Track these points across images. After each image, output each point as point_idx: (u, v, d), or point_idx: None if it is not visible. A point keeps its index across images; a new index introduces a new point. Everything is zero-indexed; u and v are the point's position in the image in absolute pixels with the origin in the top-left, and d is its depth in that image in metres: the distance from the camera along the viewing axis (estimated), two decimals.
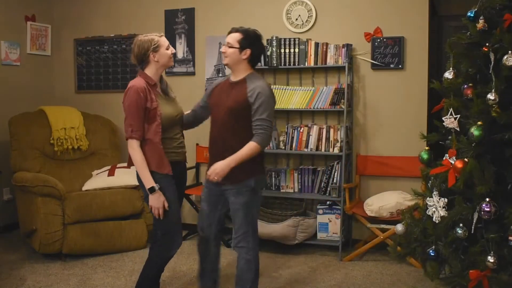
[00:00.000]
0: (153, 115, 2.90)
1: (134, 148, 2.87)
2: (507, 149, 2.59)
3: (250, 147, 2.88)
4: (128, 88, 2.90)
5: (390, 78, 4.54)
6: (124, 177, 4.54)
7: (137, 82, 2.92)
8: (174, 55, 5.22)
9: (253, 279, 3.08)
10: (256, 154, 2.91)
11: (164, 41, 3.01)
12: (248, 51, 2.97)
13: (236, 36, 2.96)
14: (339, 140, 4.45)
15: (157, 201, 2.88)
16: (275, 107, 4.66)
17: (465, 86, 2.74)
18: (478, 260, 2.53)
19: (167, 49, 3.01)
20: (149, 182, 2.86)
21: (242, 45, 2.95)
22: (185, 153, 3.16)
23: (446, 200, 2.70)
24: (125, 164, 4.46)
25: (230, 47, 2.96)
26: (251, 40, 2.98)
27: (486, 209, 2.49)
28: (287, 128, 4.67)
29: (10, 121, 4.68)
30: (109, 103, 5.49)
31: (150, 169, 2.90)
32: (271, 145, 4.69)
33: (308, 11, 4.74)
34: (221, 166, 2.86)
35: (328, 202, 4.51)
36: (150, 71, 2.99)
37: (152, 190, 2.86)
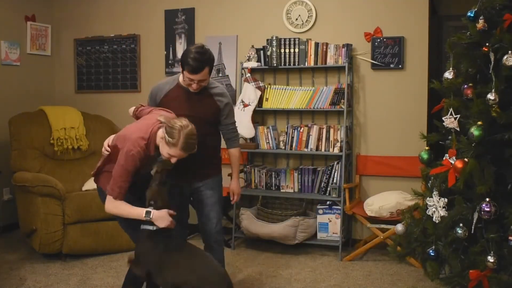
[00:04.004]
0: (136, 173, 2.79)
1: (115, 204, 2.74)
2: (507, 149, 2.59)
3: (239, 154, 3.26)
4: (128, 152, 2.68)
5: (390, 78, 4.54)
6: None
7: (139, 146, 2.70)
8: (174, 55, 5.24)
9: None
10: (219, 150, 3.23)
11: (177, 153, 2.68)
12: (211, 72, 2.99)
13: (206, 71, 2.87)
14: (339, 140, 4.45)
15: (164, 220, 2.73)
16: (275, 107, 4.72)
17: (465, 86, 2.74)
18: (478, 260, 2.53)
19: (170, 155, 2.71)
20: (141, 214, 2.71)
21: (211, 72, 2.94)
22: None
23: (446, 200, 2.70)
24: None
25: (204, 80, 2.92)
26: (213, 64, 2.95)
27: (486, 209, 2.49)
28: (287, 128, 4.67)
29: (10, 121, 4.68)
30: (109, 103, 5.49)
31: (104, 187, 2.85)
32: (271, 145, 4.70)
33: (308, 11, 4.74)
34: (238, 187, 3.24)
35: (328, 202, 4.51)
36: (158, 138, 2.75)
37: (148, 215, 2.71)
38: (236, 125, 3.25)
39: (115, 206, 2.75)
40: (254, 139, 4.72)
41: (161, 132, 2.73)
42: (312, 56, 4.57)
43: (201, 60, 2.82)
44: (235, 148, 3.20)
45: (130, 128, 2.84)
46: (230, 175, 3.32)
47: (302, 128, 4.60)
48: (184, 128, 2.65)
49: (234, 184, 3.21)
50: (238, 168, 3.23)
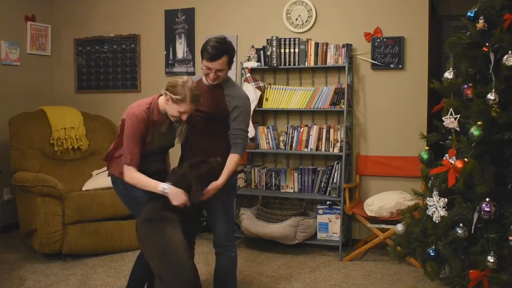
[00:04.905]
0: (143, 147, 2.87)
1: (132, 172, 2.81)
2: (507, 149, 2.58)
3: (235, 160, 2.96)
4: (131, 114, 2.80)
5: (390, 78, 4.54)
6: None
7: (141, 111, 2.80)
8: (174, 55, 5.24)
9: (236, 274, 3.16)
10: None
11: (186, 107, 2.74)
12: (231, 65, 2.96)
13: (225, 60, 2.85)
14: (339, 140, 4.45)
15: (179, 198, 2.76)
16: (275, 107, 4.71)
17: (465, 86, 2.73)
18: (478, 260, 2.53)
19: (181, 112, 2.76)
20: (156, 187, 2.76)
21: (230, 63, 2.92)
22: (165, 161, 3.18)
23: (446, 200, 2.70)
24: None
25: (222, 70, 2.87)
26: (233, 55, 2.93)
27: (486, 209, 2.48)
28: (287, 128, 4.68)
29: (10, 121, 4.68)
30: (109, 103, 5.49)
31: (114, 173, 2.97)
32: (271, 145, 4.70)
33: (308, 11, 4.74)
34: (217, 187, 2.89)
35: (328, 202, 4.51)
36: (161, 104, 2.86)
37: (164, 189, 2.75)
38: (247, 135, 3.03)
39: (132, 177, 2.82)
40: (254, 139, 4.72)
41: (163, 98, 2.82)
42: (312, 56, 4.57)
43: (220, 48, 2.81)
44: (234, 154, 2.96)
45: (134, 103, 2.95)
46: None
47: (302, 128, 4.60)
48: (186, 82, 2.74)
49: (217, 182, 2.90)
50: (228, 172, 2.93)
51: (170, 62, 5.28)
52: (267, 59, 4.70)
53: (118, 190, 3.04)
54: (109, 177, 3.09)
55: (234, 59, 2.99)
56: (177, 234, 2.74)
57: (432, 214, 2.75)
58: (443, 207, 2.70)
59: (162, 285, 2.68)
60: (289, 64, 4.65)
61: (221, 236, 3.06)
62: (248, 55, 4.74)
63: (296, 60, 4.62)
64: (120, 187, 2.99)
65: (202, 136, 2.99)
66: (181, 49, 5.22)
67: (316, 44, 4.57)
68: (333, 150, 4.49)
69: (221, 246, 3.08)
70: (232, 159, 2.96)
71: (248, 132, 3.04)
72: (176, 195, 2.75)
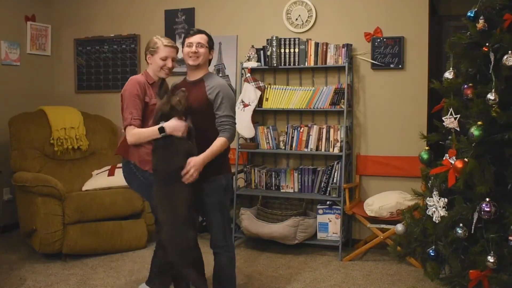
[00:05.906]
0: (150, 110, 2.96)
1: (132, 130, 2.92)
2: (507, 149, 2.58)
3: (220, 143, 2.93)
4: (128, 81, 3.01)
5: (390, 78, 4.54)
6: None
7: (137, 76, 3.04)
8: None
9: (234, 274, 3.16)
10: (224, 150, 2.97)
11: (164, 51, 3.05)
12: (212, 52, 3.12)
13: (204, 37, 3.05)
14: (339, 140, 4.45)
15: (178, 127, 2.82)
16: (275, 107, 4.71)
17: (465, 86, 2.73)
18: (478, 260, 2.53)
19: (163, 59, 3.04)
20: (155, 131, 2.84)
21: (210, 46, 3.08)
22: None
23: (446, 200, 2.70)
24: None
25: (202, 47, 3.02)
26: (212, 41, 3.12)
27: (486, 209, 2.49)
28: (287, 128, 4.68)
29: (10, 121, 4.68)
30: (109, 103, 5.49)
31: (134, 160, 3.01)
32: (271, 145, 4.70)
33: (308, 11, 4.75)
34: (198, 162, 2.85)
35: (328, 202, 4.51)
36: (150, 71, 3.09)
37: (163, 130, 2.81)
38: (235, 121, 3.02)
39: (133, 134, 2.92)
40: (254, 139, 4.72)
41: (149, 68, 3.10)
42: (312, 56, 4.57)
43: (199, 29, 3.13)
44: (220, 137, 2.93)
45: None
46: None
47: (302, 128, 4.60)
48: (158, 36, 3.12)
49: (197, 158, 2.86)
50: (211, 151, 2.89)
51: None
52: (267, 59, 4.70)
53: (135, 179, 3.04)
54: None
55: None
56: (187, 199, 2.86)
57: (432, 214, 2.75)
58: (443, 207, 2.70)
59: (163, 252, 2.90)
60: (289, 64, 4.65)
61: (218, 237, 3.06)
62: (248, 55, 4.74)
63: (296, 60, 4.62)
64: (139, 175, 3.01)
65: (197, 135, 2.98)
66: (180, 49, 5.21)
67: (316, 44, 4.57)
68: (333, 150, 4.49)
69: (218, 247, 3.08)
70: (217, 141, 2.92)
71: (235, 118, 3.02)
72: (176, 127, 2.82)
